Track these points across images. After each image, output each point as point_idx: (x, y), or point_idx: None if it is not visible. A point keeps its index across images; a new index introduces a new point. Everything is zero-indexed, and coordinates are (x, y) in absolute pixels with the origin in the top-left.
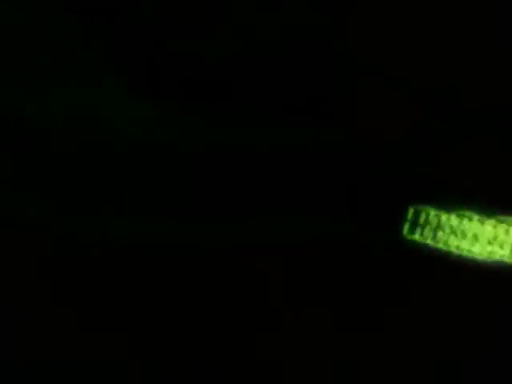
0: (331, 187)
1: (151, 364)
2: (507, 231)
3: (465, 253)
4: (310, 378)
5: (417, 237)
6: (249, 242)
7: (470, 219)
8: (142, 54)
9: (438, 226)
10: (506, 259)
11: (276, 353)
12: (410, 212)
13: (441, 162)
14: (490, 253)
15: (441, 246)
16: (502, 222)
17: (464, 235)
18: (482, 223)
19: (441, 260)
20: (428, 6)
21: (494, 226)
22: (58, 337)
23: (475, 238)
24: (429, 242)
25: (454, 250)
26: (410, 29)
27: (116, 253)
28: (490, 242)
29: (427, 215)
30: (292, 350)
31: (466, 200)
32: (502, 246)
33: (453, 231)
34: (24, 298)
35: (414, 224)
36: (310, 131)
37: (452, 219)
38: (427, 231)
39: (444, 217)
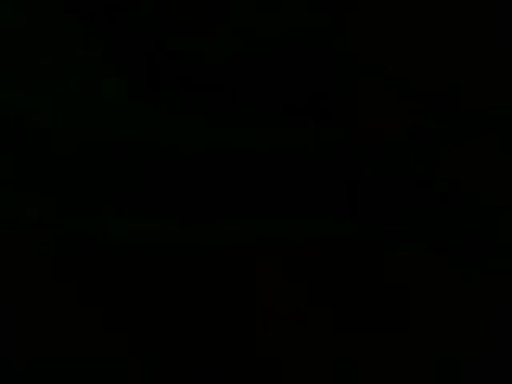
0: (331, 187)
1: (151, 364)
2: None
3: None
4: (310, 378)
5: None
6: (249, 242)
7: None
8: (141, 53)
9: None
10: None
11: (276, 353)
12: None
13: (441, 162)
14: None
15: None
16: None
17: None
18: None
19: (440, 259)
20: (428, 6)
21: None
22: (58, 336)
23: None
24: None
25: None
26: (410, 29)
27: (116, 253)
28: None
29: None
30: (292, 350)
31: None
32: None
33: None
34: (24, 298)
35: None
36: (310, 131)
37: None
38: None
39: None
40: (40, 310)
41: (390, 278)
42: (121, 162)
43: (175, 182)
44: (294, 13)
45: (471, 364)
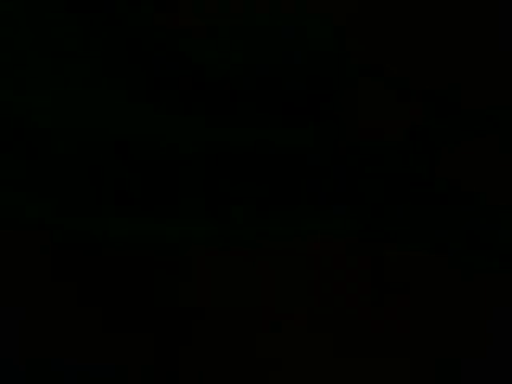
0: (331, 187)
1: (151, 363)
2: None
3: None
4: (309, 378)
5: None
6: (249, 242)
7: None
8: (141, 53)
9: None
10: None
11: (276, 353)
12: None
13: (441, 162)
14: None
15: None
16: None
17: None
18: None
19: (438, 260)
20: (428, 6)
21: None
22: (58, 336)
23: None
24: None
25: None
26: (410, 29)
27: (116, 253)
28: None
29: None
30: (292, 350)
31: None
32: None
33: None
34: (24, 298)
35: None
36: (310, 131)
37: None
38: None
39: None
40: (40, 310)
41: (390, 278)
42: (121, 162)
43: (175, 182)
44: (294, 13)
45: (471, 364)
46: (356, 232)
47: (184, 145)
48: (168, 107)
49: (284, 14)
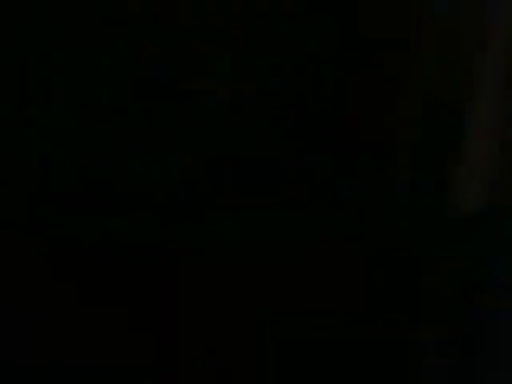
0: (331, 187)
1: (151, 364)
2: None
3: None
4: (309, 377)
5: None
6: (248, 242)
7: None
8: (142, 54)
9: None
10: None
11: (276, 352)
12: None
13: (441, 162)
14: None
15: None
16: None
17: None
18: None
19: (440, 258)
20: (428, 6)
21: None
22: (57, 337)
23: None
24: None
25: None
26: (409, 28)
27: (116, 253)
28: None
29: None
30: (292, 350)
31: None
32: None
33: None
34: (24, 298)
35: None
36: (310, 131)
37: None
38: None
39: None
40: (40, 310)
41: (390, 278)
42: (120, 161)
43: (175, 182)
44: (295, 14)
45: (471, 364)
46: (356, 231)
47: (184, 144)
48: (168, 107)
49: (283, 16)
